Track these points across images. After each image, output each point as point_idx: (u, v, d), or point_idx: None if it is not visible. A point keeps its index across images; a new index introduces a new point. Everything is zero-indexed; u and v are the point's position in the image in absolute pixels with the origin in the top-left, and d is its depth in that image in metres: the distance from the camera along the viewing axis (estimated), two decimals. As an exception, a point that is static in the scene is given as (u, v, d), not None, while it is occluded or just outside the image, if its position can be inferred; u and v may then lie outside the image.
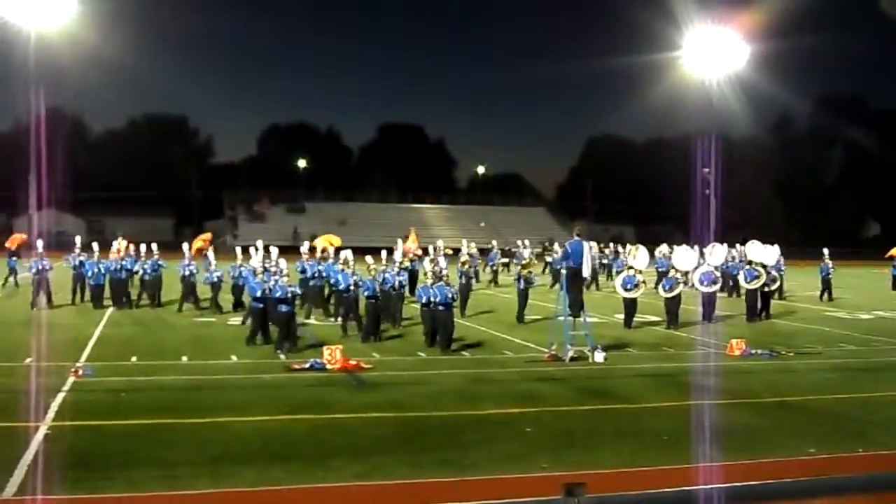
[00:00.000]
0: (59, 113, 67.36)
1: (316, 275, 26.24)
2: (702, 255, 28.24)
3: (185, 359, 17.85)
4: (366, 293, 21.16)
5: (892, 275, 40.54)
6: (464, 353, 19.39)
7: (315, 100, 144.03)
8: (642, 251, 26.98)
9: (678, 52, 46.63)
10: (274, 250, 25.23)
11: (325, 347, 17.41)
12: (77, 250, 28.22)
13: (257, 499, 9.38)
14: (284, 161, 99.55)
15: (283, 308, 19.27)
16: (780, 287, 31.87)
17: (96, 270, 27.21)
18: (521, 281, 26.02)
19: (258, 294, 19.72)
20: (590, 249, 20.33)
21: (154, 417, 12.54)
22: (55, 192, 50.83)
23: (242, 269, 25.85)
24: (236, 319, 24.73)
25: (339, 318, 22.86)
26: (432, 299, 19.59)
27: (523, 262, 27.97)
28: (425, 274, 21.65)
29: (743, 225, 77.28)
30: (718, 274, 26.78)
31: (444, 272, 21.69)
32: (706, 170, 47.01)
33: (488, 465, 10.52)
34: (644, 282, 25.49)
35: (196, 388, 14.96)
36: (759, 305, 27.05)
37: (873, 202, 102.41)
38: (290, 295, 19.49)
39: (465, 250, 32.00)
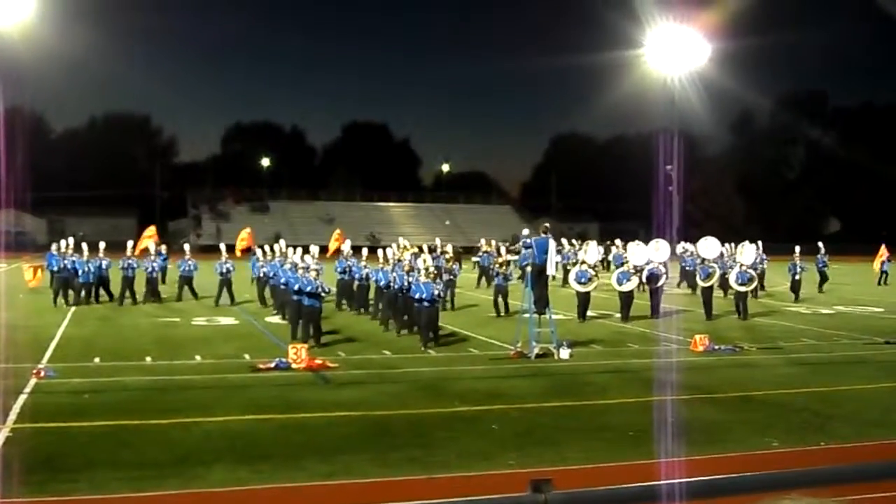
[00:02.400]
0: (19, 111, 66.54)
1: (346, 270, 26.97)
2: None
3: (149, 359, 17.72)
4: (425, 296, 19.91)
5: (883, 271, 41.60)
6: (428, 350, 19.42)
7: (279, 98, 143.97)
8: (592, 246, 28.38)
9: (640, 50, 46.98)
10: (313, 248, 25.54)
11: (290, 346, 17.37)
12: (70, 250, 28.48)
13: (225, 499, 9.33)
14: (248, 160, 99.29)
15: (312, 302, 19.72)
16: (756, 288, 31.79)
17: (87, 269, 27.89)
18: (500, 277, 27.10)
19: (296, 288, 20.04)
20: (555, 247, 20.44)
21: (118, 419, 12.43)
22: (15, 191, 50.24)
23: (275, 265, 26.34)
24: (201, 319, 24.64)
25: (379, 314, 23.84)
26: (419, 295, 19.86)
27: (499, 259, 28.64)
28: (410, 270, 21.71)
29: (705, 221, 78.04)
30: (664, 270, 27.10)
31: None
32: (669, 167, 47.40)
33: (456, 462, 10.55)
34: (597, 275, 26.33)
35: (161, 389, 14.85)
36: (711, 305, 26.70)
37: (833, 199, 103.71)
38: (319, 290, 19.79)
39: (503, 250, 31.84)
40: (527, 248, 20.69)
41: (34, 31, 44.06)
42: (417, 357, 18.57)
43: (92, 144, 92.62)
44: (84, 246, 28.38)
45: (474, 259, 42.02)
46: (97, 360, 17.49)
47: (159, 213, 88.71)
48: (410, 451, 11.01)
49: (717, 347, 20.04)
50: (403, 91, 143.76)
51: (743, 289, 26.86)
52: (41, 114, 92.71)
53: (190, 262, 29.74)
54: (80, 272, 27.91)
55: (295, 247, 26.59)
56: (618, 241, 38.97)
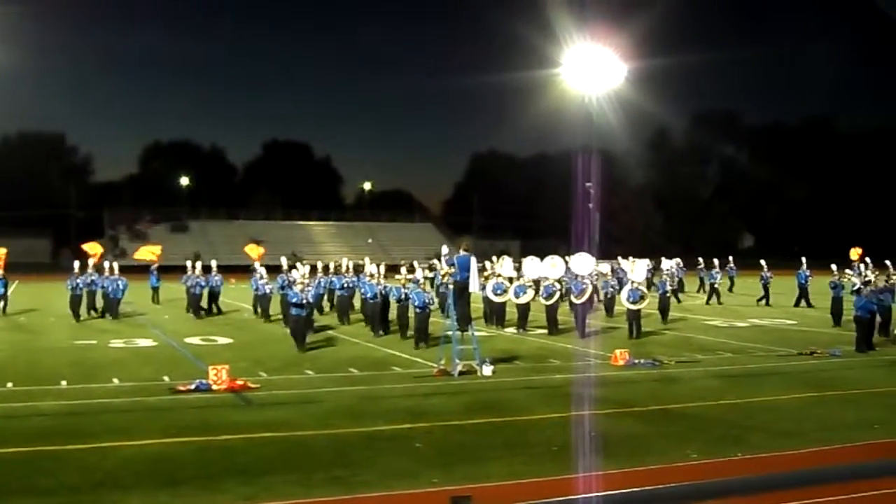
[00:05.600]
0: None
1: (345, 286, 30.55)
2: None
3: (64, 383, 17.29)
4: (416, 303, 23.49)
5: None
6: (351, 369, 19.34)
7: (198, 117, 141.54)
8: (507, 261, 30.60)
9: (558, 69, 47.55)
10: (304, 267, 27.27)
11: (210, 368, 17.11)
12: (90, 269, 31.11)
13: (143, 525, 9.16)
14: (167, 179, 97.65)
15: (297, 311, 22.55)
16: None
17: (115, 286, 30.79)
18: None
19: (290, 301, 23.06)
20: (476, 264, 20.58)
21: (32, 445, 12.12)
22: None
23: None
24: (118, 341, 24.15)
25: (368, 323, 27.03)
26: (416, 303, 23.33)
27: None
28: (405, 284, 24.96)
29: (624, 238, 79.29)
30: (559, 287, 27.92)
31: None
32: (588, 184, 47.99)
33: (378, 481, 10.51)
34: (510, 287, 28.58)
35: (77, 413, 14.51)
36: (586, 320, 26.12)
37: (747, 215, 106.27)
38: (303, 301, 22.49)
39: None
40: (450, 265, 20.79)
41: (-58, 48, 42.95)
42: (339, 376, 18.48)
43: (4, 164, 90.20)
44: (115, 265, 31.47)
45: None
46: (10, 384, 17.01)
47: (75, 234, 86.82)
48: (333, 471, 10.94)
49: (637, 361, 20.34)
50: (324, 110, 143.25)
51: (634, 307, 25.79)
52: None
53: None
54: (121, 289, 30.87)
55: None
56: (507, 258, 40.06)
